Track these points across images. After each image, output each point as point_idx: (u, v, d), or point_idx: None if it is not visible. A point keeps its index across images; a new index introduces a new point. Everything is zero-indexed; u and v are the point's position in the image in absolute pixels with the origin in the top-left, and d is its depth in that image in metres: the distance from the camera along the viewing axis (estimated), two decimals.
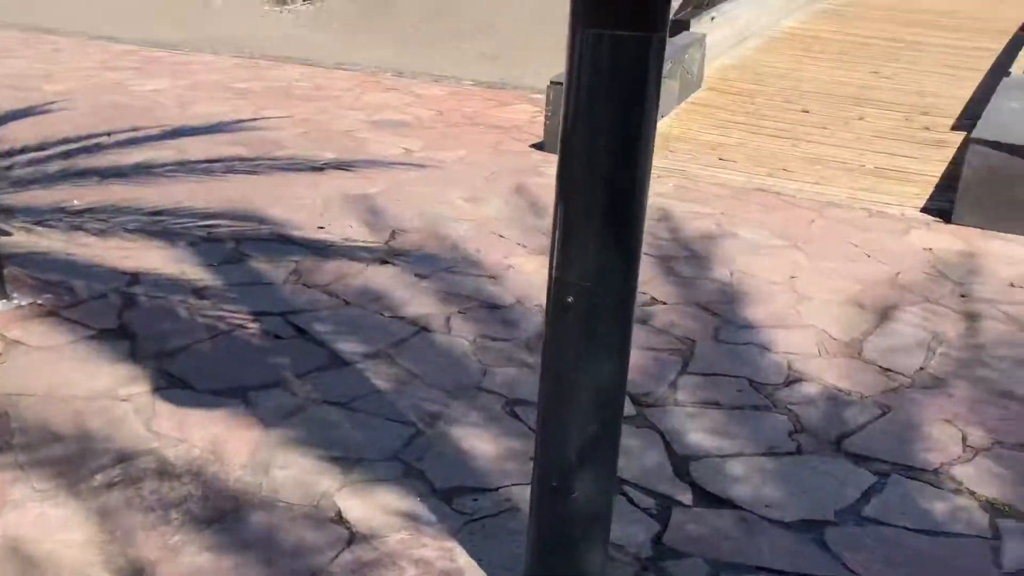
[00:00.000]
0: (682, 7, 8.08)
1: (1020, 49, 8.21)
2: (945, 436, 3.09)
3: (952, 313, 4.16)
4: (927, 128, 6.96)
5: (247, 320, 3.61)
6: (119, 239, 4.40)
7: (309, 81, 8.85)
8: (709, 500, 2.68)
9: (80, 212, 4.72)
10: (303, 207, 5.02)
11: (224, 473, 2.64)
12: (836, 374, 3.51)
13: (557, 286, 1.85)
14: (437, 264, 4.32)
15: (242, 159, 5.87)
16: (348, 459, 2.75)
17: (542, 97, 6.76)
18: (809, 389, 3.37)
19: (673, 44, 7.33)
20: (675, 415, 3.12)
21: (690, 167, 6.33)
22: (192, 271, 4.07)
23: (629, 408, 3.10)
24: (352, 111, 7.52)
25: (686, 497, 2.69)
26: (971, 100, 7.35)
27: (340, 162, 5.96)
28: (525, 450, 2.76)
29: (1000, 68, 7.82)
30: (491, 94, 8.60)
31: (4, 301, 3.60)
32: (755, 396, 3.29)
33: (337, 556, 2.36)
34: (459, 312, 3.80)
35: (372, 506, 2.55)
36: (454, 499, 2.61)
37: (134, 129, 6.37)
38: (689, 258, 4.66)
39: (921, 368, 3.59)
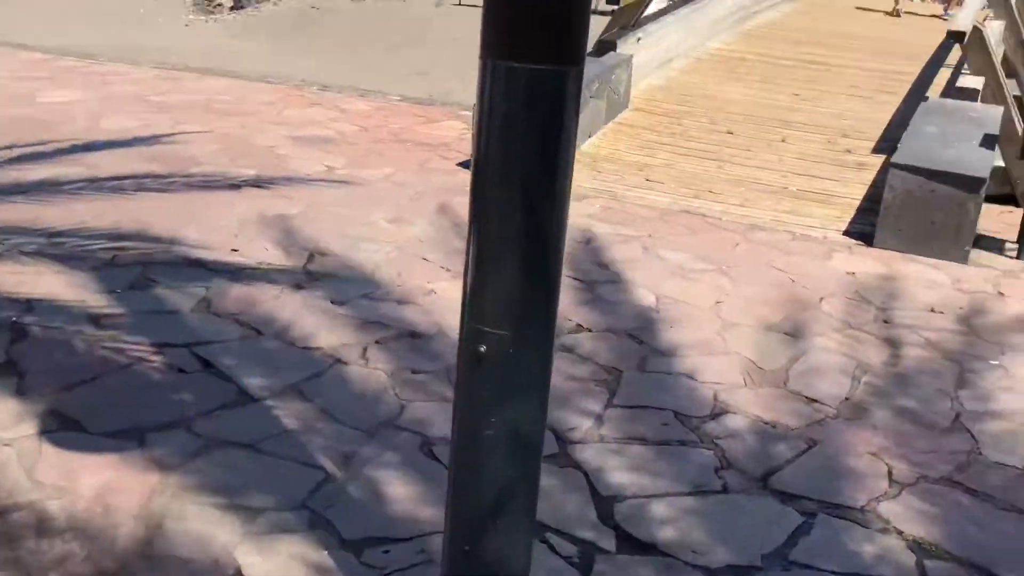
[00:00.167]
0: (609, 27, 8.07)
1: (936, 73, 8.41)
2: (871, 471, 3.05)
3: (875, 340, 4.16)
4: (848, 151, 7.06)
5: (149, 352, 3.40)
6: (14, 263, 4.13)
7: (231, 94, 8.58)
8: (633, 546, 2.58)
9: None
10: (217, 228, 4.80)
11: (112, 527, 2.44)
12: (762, 405, 3.45)
13: (469, 334, 1.72)
14: (356, 289, 4.16)
15: (155, 176, 5.61)
16: (251, 508, 2.58)
17: (471, 114, 6.66)
18: (735, 422, 3.30)
19: (600, 64, 7.31)
20: (600, 452, 3.01)
21: (617, 188, 6.28)
22: (93, 298, 3.83)
23: (552, 445, 2.99)
24: (274, 126, 7.30)
25: (609, 543, 2.58)
26: (890, 123, 7.49)
27: (259, 180, 5.75)
28: (442, 494, 2.61)
29: (917, 92, 8.00)
30: (420, 110, 8.46)
31: None
32: (681, 430, 3.21)
33: None
34: (377, 342, 3.65)
35: (275, 561, 2.38)
36: (364, 551, 2.45)
37: (40, 143, 6.06)
38: (615, 282, 4.58)
39: (846, 398, 3.56)
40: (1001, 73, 7.44)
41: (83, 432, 2.86)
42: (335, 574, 2.35)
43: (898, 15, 12.78)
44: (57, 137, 6.22)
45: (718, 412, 3.37)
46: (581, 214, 5.65)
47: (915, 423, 3.41)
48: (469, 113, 7.15)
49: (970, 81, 7.12)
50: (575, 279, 4.53)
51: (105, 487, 2.59)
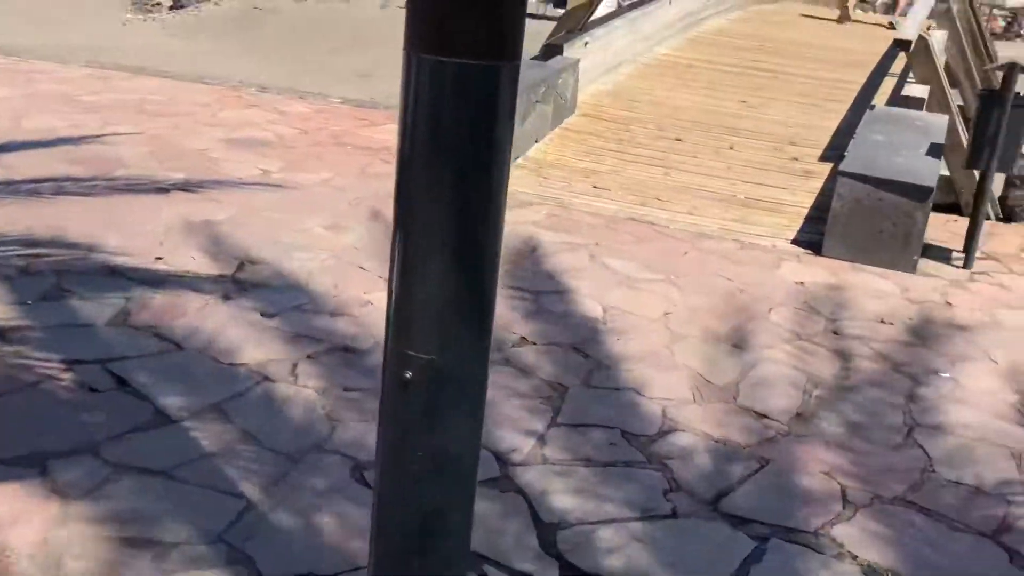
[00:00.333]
0: (555, 31, 7.94)
1: (882, 81, 8.44)
2: (824, 491, 2.93)
3: (825, 352, 4.06)
4: (795, 159, 7.01)
5: (58, 370, 3.14)
6: None
7: (165, 95, 8.26)
8: None
9: None
10: (141, 234, 4.53)
11: (2, 568, 2.20)
12: (712, 421, 3.32)
13: (393, 358, 1.54)
14: (287, 300, 3.94)
15: (76, 179, 5.31)
16: (163, 542, 2.35)
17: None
18: (684, 440, 3.16)
19: (547, 68, 7.17)
20: (543, 475, 2.84)
21: (564, 195, 6.14)
22: (0, 310, 3.56)
23: (493, 469, 2.81)
24: (208, 128, 7.02)
25: (552, 575, 2.41)
26: (837, 131, 7.47)
27: (188, 184, 5.48)
28: None
29: (863, 100, 8.00)
30: (361, 113, 8.23)
31: None
32: (628, 450, 3.05)
33: None
34: (308, 357, 3.43)
35: None
36: None
37: None
38: (561, 293, 4.42)
39: (798, 413, 3.44)
40: (946, 82, 7.48)
41: None
42: None
43: (843, 22, 12.88)
44: None
45: (666, 430, 3.22)
46: (526, 221, 5.49)
47: (867, 439, 3.30)
48: None
49: (916, 90, 7.13)
50: (519, 289, 4.36)
51: None
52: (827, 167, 6.74)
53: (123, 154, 5.93)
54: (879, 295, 4.87)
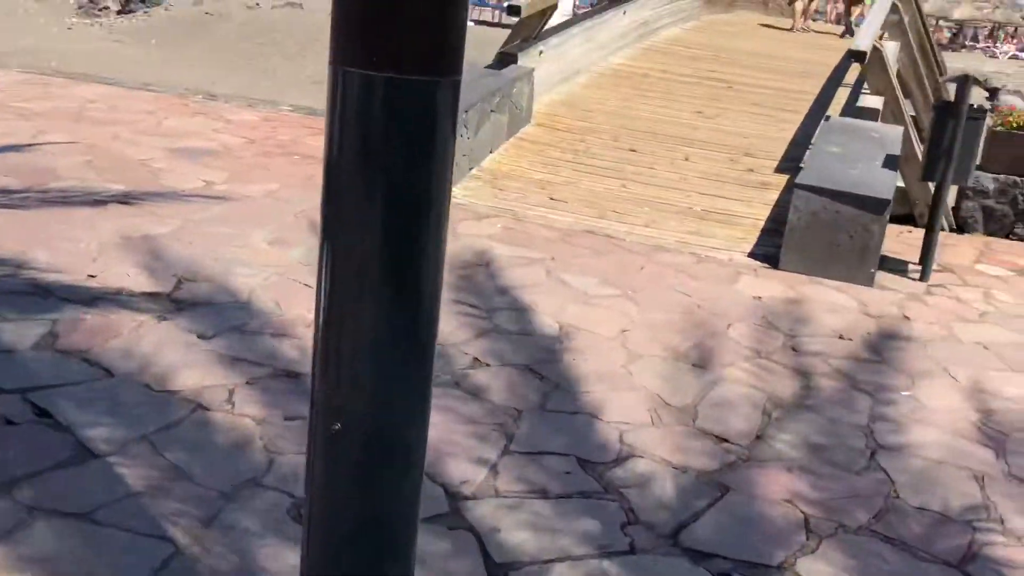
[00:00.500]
0: (510, 39, 7.81)
1: (836, 92, 8.44)
2: (787, 521, 2.81)
3: (784, 369, 3.97)
4: (751, 170, 6.96)
5: None
6: None
7: (107, 102, 8.00)
8: None
9: None
10: (73, 250, 4.31)
11: None
12: (670, 446, 3.20)
13: (320, 406, 1.38)
14: (227, 320, 3.74)
15: (5, 191, 5.06)
16: None
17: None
18: (642, 467, 3.03)
19: (501, 77, 7.04)
20: (494, 509, 2.69)
21: (519, 207, 6.01)
22: None
23: (441, 504, 2.66)
24: (150, 137, 6.78)
25: None
26: (792, 142, 7.44)
27: (127, 196, 5.25)
28: None
29: (818, 110, 7.99)
30: (311, 121, 8.03)
31: None
32: (584, 479, 2.91)
33: None
34: (247, 383, 3.25)
35: None
36: None
37: None
38: (515, 310, 4.28)
39: (758, 436, 3.33)
40: (900, 93, 7.49)
41: None
42: None
43: (794, 30, 12.95)
44: None
45: (624, 456, 3.09)
46: (481, 234, 5.35)
47: (830, 463, 3.20)
48: None
49: (870, 101, 7.12)
50: (472, 306, 4.22)
51: None
52: (783, 178, 6.70)
53: (58, 164, 5.68)
54: (837, 309, 4.81)
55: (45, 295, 3.80)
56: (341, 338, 1.38)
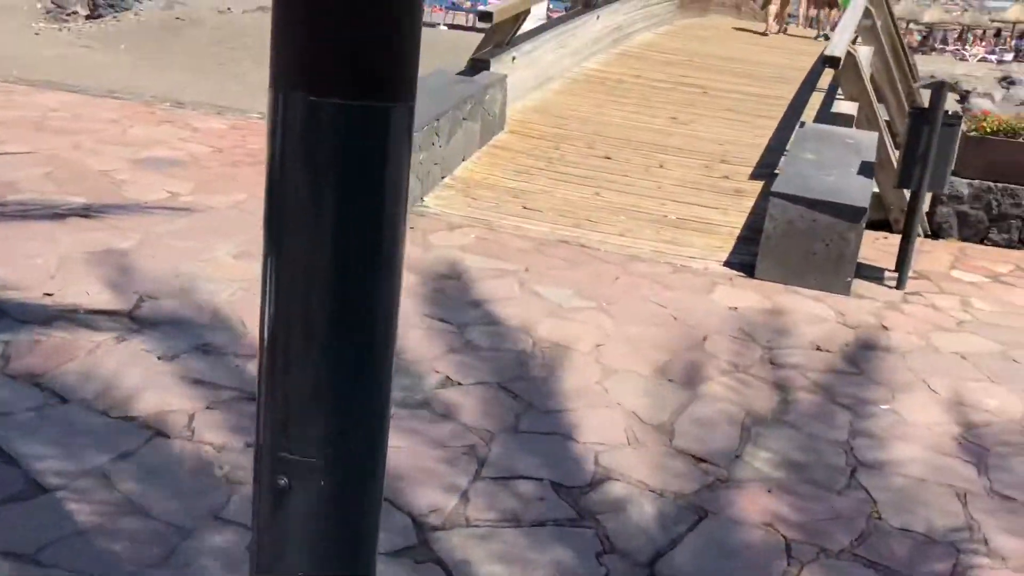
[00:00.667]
0: (482, 45, 7.71)
1: (810, 97, 8.41)
2: (768, 546, 2.73)
3: (762, 383, 3.90)
4: (726, 177, 6.90)
5: None
6: None
7: (69, 110, 7.82)
8: None
9: None
10: (30, 267, 4.16)
11: None
12: (647, 468, 3.11)
13: (266, 459, 1.27)
14: (189, 340, 3.62)
15: None
16: None
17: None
18: (618, 490, 2.94)
19: (474, 84, 6.94)
20: (465, 540, 2.59)
21: (492, 216, 5.91)
22: None
23: (409, 535, 2.55)
24: (114, 147, 6.62)
25: None
26: (767, 148, 7.39)
27: (88, 209, 5.10)
28: None
29: (792, 116, 7.95)
30: None
31: None
32: (559, 505, 2.82)
33: None
34: (208, 407, 3.12)
35: None
36: None
37: None
38: (488, 324, 4.18)
39: (737, 455, 3.25)
40: (874, 98, 7.47)
41: None
42: None
43: (767, 34, 12.95)
44: None
45: (599, 479, 3.00)
46: (453, 245, 5.25)
47: (810, 482, 3.13)
48: None
49: (844, 107, 7.09)
50: (443, 321, 4.11)
51: None
52: (758, 185, 6.65)
53: (16, 176, 5.52)
54: (814, 320, 4.75)
55: None
56: (287, 386, 1.28)
